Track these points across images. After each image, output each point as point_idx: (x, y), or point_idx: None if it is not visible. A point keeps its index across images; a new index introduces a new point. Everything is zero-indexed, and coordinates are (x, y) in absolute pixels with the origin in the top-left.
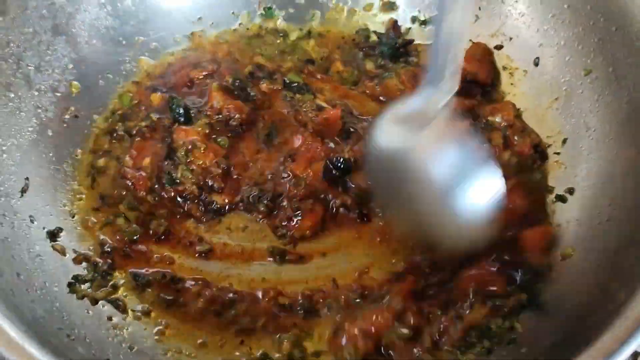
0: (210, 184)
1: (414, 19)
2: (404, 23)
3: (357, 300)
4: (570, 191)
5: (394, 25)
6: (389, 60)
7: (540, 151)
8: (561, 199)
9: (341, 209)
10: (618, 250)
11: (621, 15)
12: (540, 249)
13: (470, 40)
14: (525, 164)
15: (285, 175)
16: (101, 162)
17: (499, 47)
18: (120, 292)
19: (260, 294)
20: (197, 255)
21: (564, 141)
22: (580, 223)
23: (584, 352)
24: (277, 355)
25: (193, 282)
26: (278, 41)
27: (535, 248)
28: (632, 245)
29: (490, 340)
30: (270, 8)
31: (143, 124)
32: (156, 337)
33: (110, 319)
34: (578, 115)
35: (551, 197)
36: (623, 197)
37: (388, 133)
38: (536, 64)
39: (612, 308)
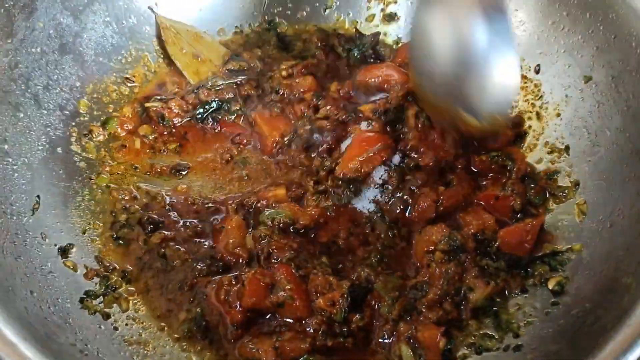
0: None
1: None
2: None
3: None
4: None
5: (374, 35)
6: (354, 62)
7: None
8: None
9: None
10: (621, 257)
11: (619, 24)
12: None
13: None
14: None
15: None
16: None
17: None
18: (131, 306)
19: None
20: None
21: (567, 148)
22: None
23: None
24: None
25: None
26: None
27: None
28: (635, 251)
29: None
30: (272, 21)
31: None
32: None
33: (122, 333)
34: (579, 121)
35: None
36: (624, 204)
37: None
38: (537, 72)
39: (615, 316)
